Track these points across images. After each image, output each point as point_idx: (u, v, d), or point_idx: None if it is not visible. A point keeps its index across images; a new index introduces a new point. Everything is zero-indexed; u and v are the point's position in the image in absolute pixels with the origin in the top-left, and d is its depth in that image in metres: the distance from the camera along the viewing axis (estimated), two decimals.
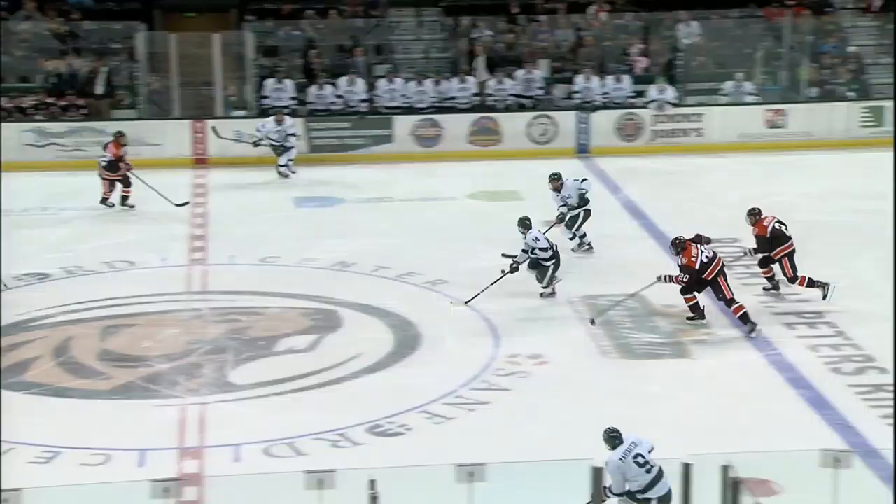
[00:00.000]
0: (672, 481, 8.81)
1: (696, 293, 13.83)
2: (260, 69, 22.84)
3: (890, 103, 22.64)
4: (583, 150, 22.28)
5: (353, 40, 23.71)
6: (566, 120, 22.46)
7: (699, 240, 13.88)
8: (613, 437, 9.30)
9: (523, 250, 14.51)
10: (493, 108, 22.88)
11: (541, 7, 24.62)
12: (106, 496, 8.84)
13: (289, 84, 22.68)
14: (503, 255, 14.75)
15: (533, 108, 22.88)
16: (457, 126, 22.56)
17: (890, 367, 12.48)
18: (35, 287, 15.27)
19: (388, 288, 15.06)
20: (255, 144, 20.64)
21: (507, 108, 22.86)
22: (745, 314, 13.65)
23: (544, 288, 14.68)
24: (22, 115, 21.90)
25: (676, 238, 13.82)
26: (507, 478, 8.81)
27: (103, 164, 18.46)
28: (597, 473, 8.72)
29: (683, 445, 9.37)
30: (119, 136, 18.57)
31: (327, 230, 17.07)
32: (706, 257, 13.61)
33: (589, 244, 16.56)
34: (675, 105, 22.67)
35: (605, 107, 22.60)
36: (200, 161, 21.69)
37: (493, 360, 13.23)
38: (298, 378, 12.76)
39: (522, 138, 22.56)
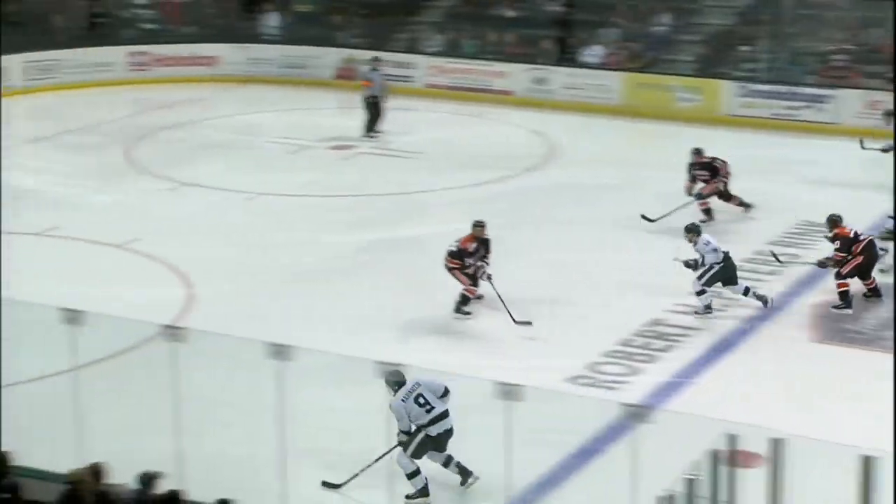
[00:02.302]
0: None
1: (849, 279, 13.97)
2: None
3: None
4: None
5: None
6: None
7: None
8: (394, 382, 9.90)
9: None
10: None
11: None
12: None
13: None
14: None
15: None
16: None
17: None
18: None
19: None
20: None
21: None
22: (846, 292, 13.94)
23: (699, 287, 13.95)
24: None
25: (830, 216, 14.22)
26: None
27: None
28: None
29: None
30: None
31: None
32: (860, 233, 14.08)
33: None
34: None
35: None
36: None
37: None
38: None
39: None
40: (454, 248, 14.09)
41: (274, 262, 15.85)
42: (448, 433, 10.08)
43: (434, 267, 14.71)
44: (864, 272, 14.36)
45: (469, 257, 14.06)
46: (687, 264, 14.08)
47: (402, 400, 9.98)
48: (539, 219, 17.57)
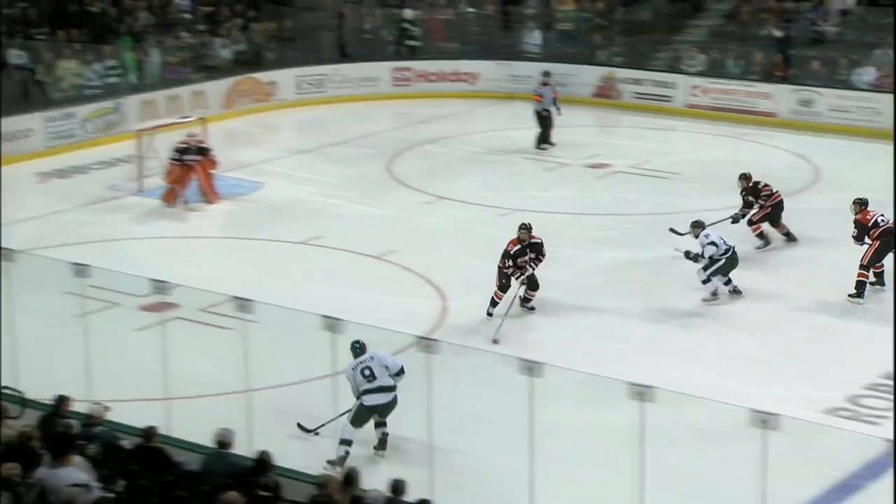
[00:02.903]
0: None
1: (869, 271, 14.42)
2: None
3: None
4: None
5: None
6: None
7: None
8: (356, 348, 10.76)
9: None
10: None
11: None
12: None
13: None
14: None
15: None
16: None
17: None
18: None
19: None
20: None
21: None
22: (863, 283, 14.45)
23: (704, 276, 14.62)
24: None
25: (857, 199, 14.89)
26: None
27: None
28: None
29: None
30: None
31: None
32: (882, 219, 14.56)
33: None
34: None
35: None
36: None
37: None
38: None
39: None
40: (506, 248, 14.33)
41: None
42: (385, 407, 10.69)
43: (683, 289, 14.48)
44: (879, 257, 14.68)
45: (509, 259, 14.17)
46: (687, 255, 14.84)
47: (352, 368, 10.72)
48: (798, 243, 17.04)
